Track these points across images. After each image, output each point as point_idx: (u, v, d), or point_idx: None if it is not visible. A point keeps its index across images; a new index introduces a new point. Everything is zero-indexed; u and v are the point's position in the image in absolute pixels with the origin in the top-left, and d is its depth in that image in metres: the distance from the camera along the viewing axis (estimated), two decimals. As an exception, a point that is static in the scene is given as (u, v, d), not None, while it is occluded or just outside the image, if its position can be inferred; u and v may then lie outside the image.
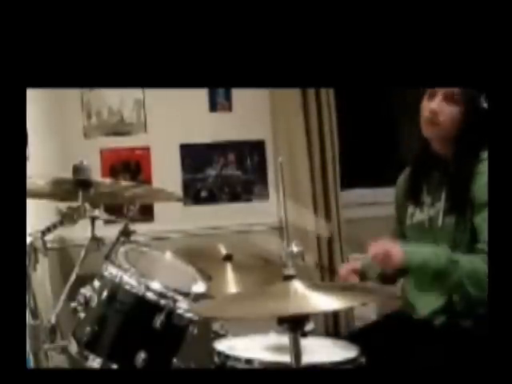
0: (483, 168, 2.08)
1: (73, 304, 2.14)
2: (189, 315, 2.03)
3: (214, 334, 2.21)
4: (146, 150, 3.39)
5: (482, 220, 2.03)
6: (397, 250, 2.03)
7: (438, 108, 2.14)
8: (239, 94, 3.44)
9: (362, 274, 2.30)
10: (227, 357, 1.86)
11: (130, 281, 2.05)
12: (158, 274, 2.14)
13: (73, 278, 2.38)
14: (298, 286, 1.62)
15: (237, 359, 1.84)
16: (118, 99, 3.35)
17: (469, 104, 2.12)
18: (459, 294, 2.06)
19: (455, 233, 2.14)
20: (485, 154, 2.13)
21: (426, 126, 2.19)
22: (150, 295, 2.03)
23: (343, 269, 2.36)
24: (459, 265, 2.00)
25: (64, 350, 2.20)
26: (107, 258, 2.27)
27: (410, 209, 2.29)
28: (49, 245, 2.18)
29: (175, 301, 2.03)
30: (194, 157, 3.45)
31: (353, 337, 2.12)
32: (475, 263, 1.98)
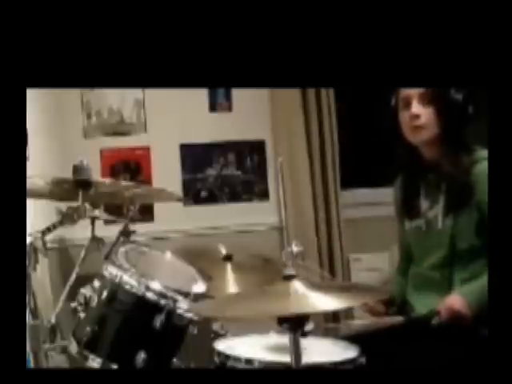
0: (482, 168, 2.09)
1: (73, 304, 2.14)
2: (189, 315, 2.03)
3: (214, 334, 2.21)
4: (146, 149, 3.39)
5: None
6: (460, 305, 2.06)
7: (418, 111, 2.16)
8: (239, 94, 3.44)
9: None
10: (227, 357, 1.86)
11: (130, 281, 2.05)
12: (158, 274, 2.14)
13: (73, 278, 2.38)
14: (298, 286, 1.62)
15: (237, 359, 1.84)
16: (118, 99, 3.35)
17: (442, 101, 2.15)
18: None
19: (454, 234, 2.15)
20: (482, 153, 2.14)
21: (411, 132, 2.20)
22: (149, 295, 2.03)
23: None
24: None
25: (64, 350, 2.21)
26: (107, 257, 2.28)
27: (408, 214, 2.30)
28: (49, 245, 2.19)
29: (175, 301, 2.03)
30: (194, 157, 3.45)
31: (352, 337, 2.12)
32: None
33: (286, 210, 3.39)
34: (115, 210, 2.62)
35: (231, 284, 2.45)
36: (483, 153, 2.14)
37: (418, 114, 2.16)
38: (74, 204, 2.24)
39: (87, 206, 2.26)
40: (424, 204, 2.25)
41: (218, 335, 2.19)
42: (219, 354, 1.88)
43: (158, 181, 3.36)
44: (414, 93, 2.16)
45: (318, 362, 1.81)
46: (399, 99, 2.22)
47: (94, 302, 2.09)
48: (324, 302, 1.59)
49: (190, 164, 3.45)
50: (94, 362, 2.03)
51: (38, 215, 2.48)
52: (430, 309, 2.16)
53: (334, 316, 3.41)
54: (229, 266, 2.50)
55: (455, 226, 2.15)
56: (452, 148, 2.17)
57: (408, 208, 2.30)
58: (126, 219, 2.45)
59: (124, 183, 2.73)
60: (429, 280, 2.22)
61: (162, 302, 2.03)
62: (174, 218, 3.37)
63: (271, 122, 3.48)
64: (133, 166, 3.38)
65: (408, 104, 2.18)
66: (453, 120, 2.15)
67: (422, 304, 2.20)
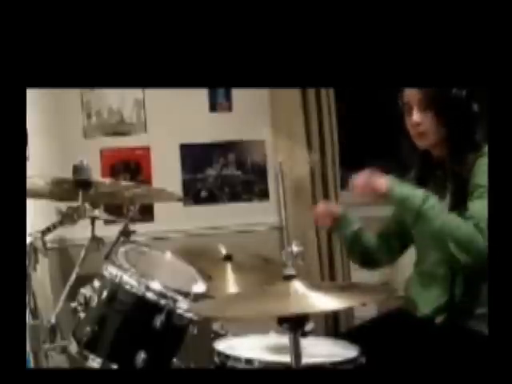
0: (484, 160, 2.08)
1: (73, 304, 2.15)
2: (189, 315, 2.03)
3: (214, 334, 2.21)
4: (146, 149, 3.39)
5: (477, 204, 2.01)
6: (381, 180, 2.08)
7: (417, 119, 2.17)
8: (239, 94, 3.44)
9: (337, 223, 2.39)
10: (227, 357, 1.86)
11: (130, 281, 2.05)
12: (157, 274, 2.14)
13: (73, 278, 2.38)
14: (298, 285, 1.62)
15: (237, 359, 1.84)
16: (118, 99, 3.35)
17: (441, 105, 2.14)
18: (442, 249, 2.03)
19: None
20: (485, 149, 2.14)
21: (415, 139, 2.22)
22: (149, 295, 2.03)
23: (320, 207, 2.43)
24: (439, 212, 2.01)
25: (64, 350, 2.21)
26: (107, 257, 2.28)
27: None
28: (49, 245, 2.19)
29: (175, 301, 2.04)
30: (194, 157, 3.45)
31: (352, 334, 2.12)
32: (460, 222, 1.97)
33: (286, 210, 3.39)
34: (115, 210, 2.62)
35: (231, 284, 2.45)
36: (486, 149, 2.13)
37: (418, 122, 2.16)
38: (74, 204, 2.24)
39: (87, 206, 2.26)
40: None
41: (218, 335, 2.20)
42: (219, 353, 1.88)
43: (157, 181, 3.36)
44: (414, 99, 2.16)
45: (318, 362, 1.81)
46: (403, 104, 2.22)
47: (94, 302, 2.09)
48: (324, 302, 1.59)
49: (190, 164, 3.44)
50: (94, 362, 2.03)
51: (37, 215, 2.48)
52: (434, 307, 2.16)
53: (334, 316, 3.42)
54: (229, 266, 2.50)
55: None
56: (459, 147, 2.17)
57: None
58: (126, 219, 2.45)
59: (124, 183, 2.73)
60: (433, 277, 2.21)
61: (162, 302, 2.03)
62: (174, 218, 3.37)
63: (271, 122, 3.47)
64: (133, 166, 3.38)
65: (410, 110, 2.18)
66: (455, 121, 2.15)
67: (425, 302, 2.20)
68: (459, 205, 2.15)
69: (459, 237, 1.95)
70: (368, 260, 2.47)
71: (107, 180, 2.73)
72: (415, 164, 2.33)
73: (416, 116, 2.17)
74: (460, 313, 2.11)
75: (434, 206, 2.02)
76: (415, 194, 2.05)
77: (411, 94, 2.17)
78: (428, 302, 2.18)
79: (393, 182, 2.09)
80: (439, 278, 2.19)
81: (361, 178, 2.12)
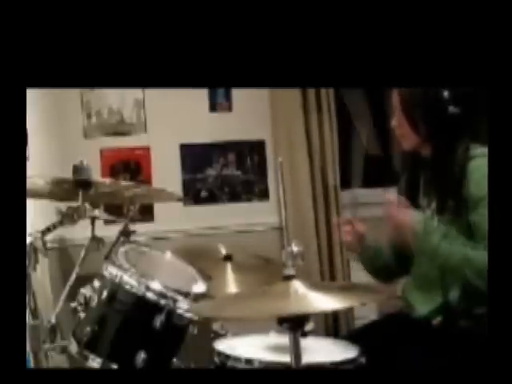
0: (476, 164, 2.08)
1: (73, 304, 2.15)
2: (189, 315, 2.03)
3: (214, 334, 2.21)
4: (146, 149, 3.39)
5: (478, 216, 2.02)
6: (407, 214, 2.09)
7: (394, 123, 2.24)
8: (239, 94, 3.44)
9: (363, 245, 2.39)
10: (227, 357, 1.86)
11: (130, 281, 2.05)
12: (158, 274, 2.14)
13: (73, 278, 2.38)
14: (298, 285, 1.61)
15: (237, 359, 1.84)
16: (118, 99, 3.35)
17: (409, 108, 2.17)
18: (459, 278, 2.04)
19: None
20: (477, 150, 2.13)
21: (399, 141, 2.27)
22: (150, 295, 2.03)
23: (346, 224, 2.41)
24: (457, 248, 2.01)
25: (64, 350, 2.21)
26: (107, 257, 2.28)
27: None
28: (49, 245, 2.19)
29: (175, 301, 2.04)
30: (194, 157, 3.45)
31: (352, 337, 2.12)
32: (475, 254, 1.96)
33: (286, 210, 3.39)
34: (115, 210, 2.62)
35: (231, 284, 2.45)
36: (478, 150, 2.13)
37: (394, 126, 2.23)
38: (74, 204, 2.24)
39: (87, 206, 2.26)
40: (423, 201, 2.26)
41: (218, 335, 2.20)
42: (219, 353, 1.89)
43: (157, 181, 3.36)
44: (394, 105, 2.22)
45: (318, 362, 1.81)
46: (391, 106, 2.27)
47: (94, 302, 2.09)
48: (324, 302, 1.59)
49: (190, 164, 3.44)
50: (94, 362, 2.03)
51: (37, 215, 2.48)
52: (430, 308, 2.16)
53: (333, 316, 3.42)
54: (229, 266, 2.50)
55: (452, 224, 2.14)
56: (439, 150, 2.17)
57: (408, 200, 2.30)
58: (126, 219, 2.45)
59: (124, 183, 2.73)
60: (428, 279, 2.21)
61: (162, 302, 2.03)
62: (174, 218, 3.37)
63: (271, 122, 3.47)
64: (133, 166, 3.38)
65: (392, 113, 2.24)
66: (429, 125, 2.16)
67: (421, 303, 2.20)
68: (447, 207, 2.15)
69: (476, 267, 1.94)
70: (387, 274, 2.44)
71: (107, 180, 2.73)
72: (405, 165, 2.35)
73: (393, 121, 2.23)
74: (457, 314, 2.11)
75: (452, 242, 2.03)
76: (435, 230, 2.05)
77: (393, 96, 2.22)
78: (424, 304, 2.19)
79: (417, 216, 2.10)
80: (434, 281, 2.19)
81: (392, 209, 2.12)
